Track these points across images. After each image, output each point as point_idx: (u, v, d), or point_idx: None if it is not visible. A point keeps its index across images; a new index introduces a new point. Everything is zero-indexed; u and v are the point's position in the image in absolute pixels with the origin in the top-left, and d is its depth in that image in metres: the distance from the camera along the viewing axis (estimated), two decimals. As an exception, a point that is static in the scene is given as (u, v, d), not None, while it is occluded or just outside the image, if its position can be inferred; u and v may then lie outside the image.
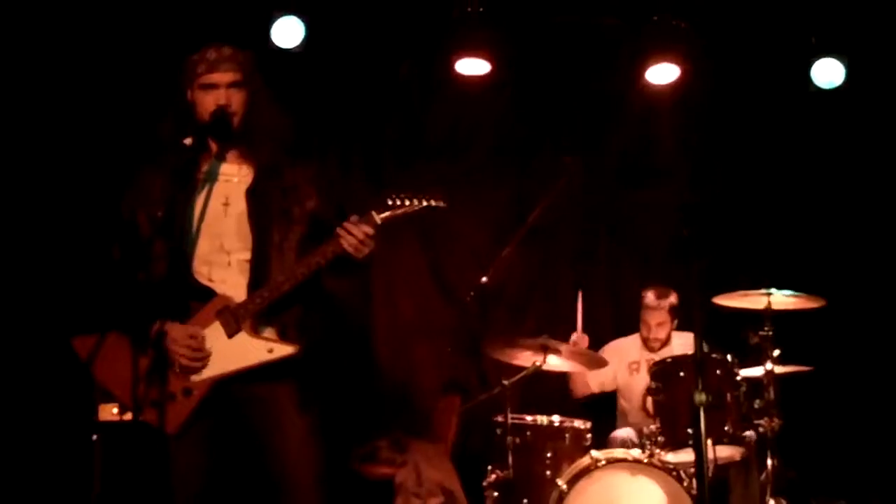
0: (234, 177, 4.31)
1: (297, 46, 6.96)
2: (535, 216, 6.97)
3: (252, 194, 4.28)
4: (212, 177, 4.29)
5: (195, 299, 4.22)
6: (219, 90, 4.23)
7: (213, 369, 4.20)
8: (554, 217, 7.46)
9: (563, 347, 6.42)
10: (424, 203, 4.27)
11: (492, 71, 7.30)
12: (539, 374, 6.58)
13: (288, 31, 6.93)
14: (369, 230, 4.16)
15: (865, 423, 7.38)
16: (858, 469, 7.28)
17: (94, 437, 6.03)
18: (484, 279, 6.78)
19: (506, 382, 6.34)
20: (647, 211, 7.92)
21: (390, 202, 4.23)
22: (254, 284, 4.21)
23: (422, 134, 7.79)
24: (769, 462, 5.86)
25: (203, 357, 4.17)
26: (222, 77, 4.24)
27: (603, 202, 8.06)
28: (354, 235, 4.15)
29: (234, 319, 4.19)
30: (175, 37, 6.24)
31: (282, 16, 6.92)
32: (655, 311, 6.99)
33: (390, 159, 7.66)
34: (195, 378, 4.18)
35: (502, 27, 7.15)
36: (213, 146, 4.31)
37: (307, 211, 4.33)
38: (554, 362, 6.44)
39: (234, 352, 4.19)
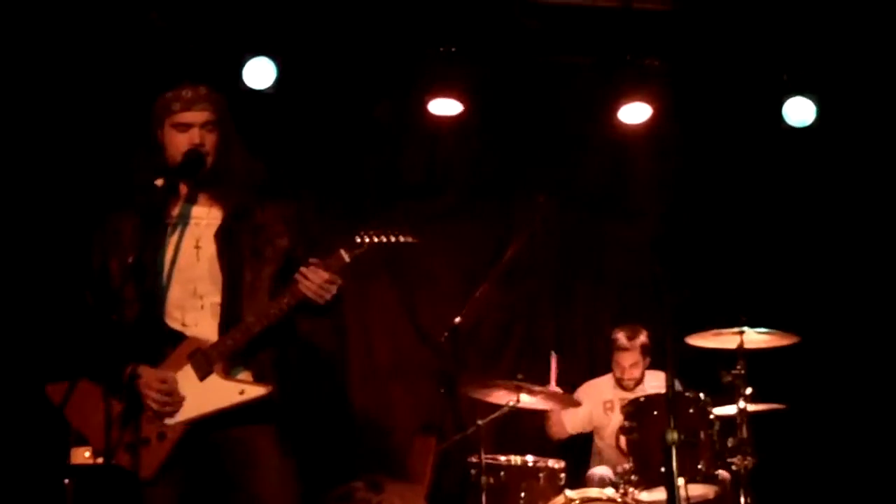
0: (204, 219, 4.26)
1: (269, 87, 6.97)
2: (509, 255, 6.97)
3: (221, 236, 4.23)
4: (183, 220, 4.25)
5: (168, 344, 4.19)
6: (193, 130, 4.18)
7: (187, 413, 4.16)
8: (528, 256, 7.47)
9: (538, 388, 6.42)
10: (394, 239, 4.23)
11: (464, 111, 7.32)
12: (514, 414, 6.57)
13: (260, 72, 6.93)
14: (326, 276, 4.10)
15: (839, 460, 7.38)
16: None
17: (67, 480, 6.00)
18: (458, 319, 6.76)
19: (480, 422, 6.33)
20: (621, 249, 7.94)
21: (359, 239, 4.19)
22: (225, 327, 4.17)
23: (396, 174, 7.80)
24: (742, 500, 5.85)
25: (175, 401, 4.13)
26: (196, 117, 4.19)
27: (577, 240, 8.07)
28: (312, 281, 4.10)
29: (206, 362, 4.15)
30: (146, 77, 6.22)
31: (253, 57, 6.92)
32: (628, 351, 6.99)
33: (364, 199, 7.65)
34: (169, 422, 4.14)
35: (475, 67, 7.18)
36: (184, 188, 4.27)
37: (280, 249, 4.28)
38: (528, 401, 6.44)
39: (206, 394, 4.15)
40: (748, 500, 5.85)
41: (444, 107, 7.30)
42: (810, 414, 7.16)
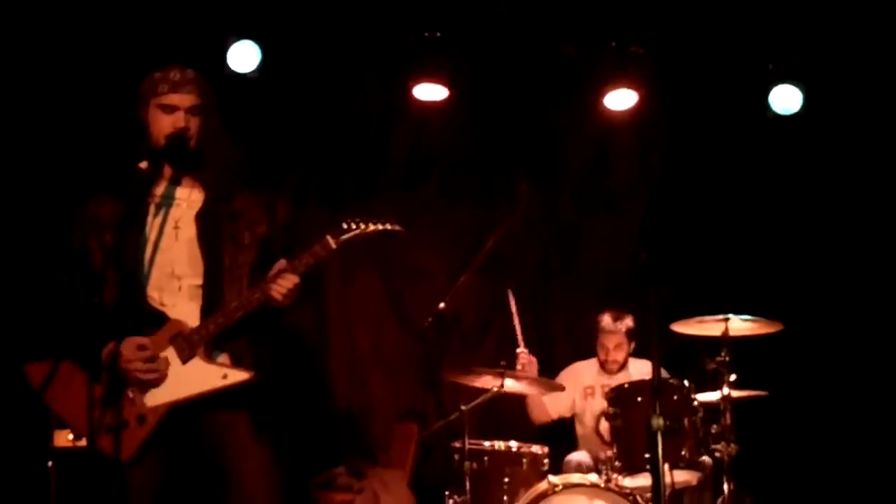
0: (185, 201, 4.24)
1: (253, 71, 6.94)
2: (491, 243, 6.95)
3: (201, 219, 4.22)
4: (165, 201, 4.23)
5: (148, 325, 4.16)
6: (178, 113, 4.16)
7: (168, 395, 4.13)
8: (511, 243, 7.46)
9: (521, 375, 6.42)
10: (380, 227, 4.25)
11: (449, 96, 7.30)
12: (497, 401, 6.56)
13: (244, 56, 6.90)
14: (291, 283, 4.11)
15: (821, 447, 7.40)
16: (814, 493, 7.30)
17: (49, 463, 5.98)
18: (441, 306, 6.75)
19: (464, 408, 6.33)
20: (605, 237, 7.94)
21: (345, 226, 4.20)
22: (206, 310, 4.16)
23: (379, 161, 7.78)
24: (725, 487, 5.86)
25: (157, 368, 4.11)
26: (183, 99, 4.17)
27: (560, 228, 8.07)
28: (281, 286, 4.11)
29: (189, 346, 4.14)
30: (130, 61, 6.18)
31: (238, 40, 6.89)
32: (612, 333, 6.99)
33: (347, 187, 7.63)
34: (149, 404, 4.12)
35: (460, 52, 7.16)
36: (168, 170, 4.25)
37: (257, 237, 4.27)
38: (512, 386, 6.44)
39: (188, 378, 4.13)
40: (731, 487, 5.86)
41: (429, 92, 7.28)
42: (793, 401, 7.18)
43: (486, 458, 6.29)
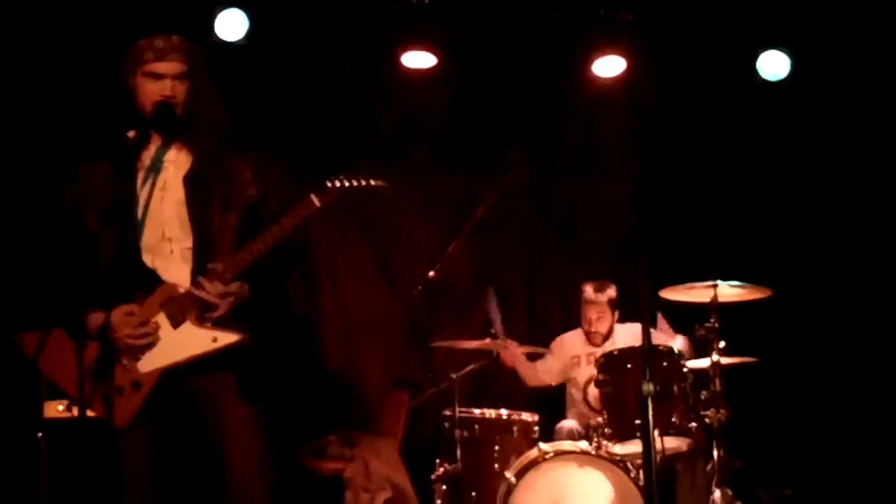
0: (173, 164, 4.24)
1: (241, 39, 6.90)
2: (481, 210, 6.94)
3: (189, 181, 4.21)
4: (154, 165, 4.21)
5: (140, 287, 4.16)
6: (164, 81, 4.16)
7: (161, 360, 4.13)
8: (501, 211, 7.45)
9: (510, 343, 6.43)
10: (364, 183, 4.22)
11: (438, 64, 7.27)
12: (487, 369, 6.58)
13: (231, 24, 6.86)
14: (221, 290, 4.10)
15: (810, 412, 7.44)
16: (805, 458, 7.34)
17: (39, 434, 5.98)
18: (431, 274, 6.74)
19: (454, 376, 6.35)
20: (594, 204, 7.93)
21: (329, 184, 4.18)
22: (197, 273, 4.14)
23: (369, 128, 7.75)
24: (715, 453, 5.88)
25: (148, 333, 4.11)
26: (169, 67, 4.16)
27: (549, 195, 8.06)
28: (209, 292, 4.09)
29: (179, 310, 4.13)
30: (116, 28, 6.14)
31: (225, 8, 6.85)
32: (594, 304, 7.01)
33: (336, 154, 7.61)
34: (143, 370, 4.12)
35: (448, 19, 7.13)
36: (157, 135, 4.24)
37: (245, 200, 4.25)
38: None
39: (180, 342, 4.13)
40: (720, 453, 5.88)
41: (418, 59, 7.26)
42: (782, 367, 7.20)
43: (476, 426, 6.32)
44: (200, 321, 4.15)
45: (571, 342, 7.18)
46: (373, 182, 4.24)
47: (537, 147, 7.89)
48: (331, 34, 7.25)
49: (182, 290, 4.14)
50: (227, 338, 4.14)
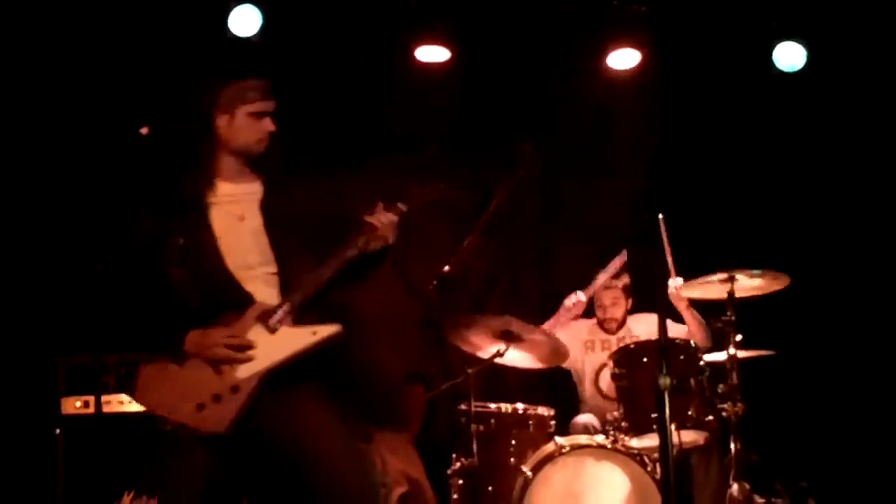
0: (246, 194, 4.39)
1: (255, 35, 6.90)
2: (494, 205, 6.93)
3: (264, 208, 4.37)
4: (227, 197, 4.36)
5: (233, 311, 4.24)
6: (267, 119, 4.38)
7: (260, 363, 4.18)
8: (513, 206, 7.43)
9: (526, 330, 6.40)
10: (443, 191, 4.63)
11: (451, 58, 7.26)
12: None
13: (245, 20, 6.86)
14: (393, 217, 4.40)
15: (827, 405, 7.42)
16: (821, 451, 7.32)
17: (57, 431, 6.00)
18: (446, 269, 6.74)
19: (469, 370, 6.34)
20: (607, 198, 7.92)
21: (415, 193, 4.52)
22: (284, 293, 4.27)
23: (382, 123, 7.75)
24: (732, 446, 5.87)
25: (244, 345, 4.18)
26: (268, 105, 4.40)
27: (562, 189, 8.05)
28: (382, 221, 4.35)
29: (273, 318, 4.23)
30: (131, 30, 6.15)
31: (239, 4, 6.85)
32: (609, 289, 7.03)
33: (350, 149, 7.61)
34: (242, 376, 4.17)
35: (461, 14, 7.12)
36: (228, 168, 4.39)
37: (319, 218, 4.42)
38: (514, 356, 6.44)
39: (279, 343, 4.19)
40: (738, 447, 5.87)
41: (431, 54, 7.25)
42: (799, 360, 7.19)
43: (492, 421, 6.32)
44: (295, 323, 4.24)
45: (581, 328, 7.18)
46: (448, 190, 4.62)
47: (550, 141, 7.87)
48: (344, 29, 7.25)
49: (275, 304, 4.24)
50: (327, 330, 4.22)
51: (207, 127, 4.36)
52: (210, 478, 4.15)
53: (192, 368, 4.15)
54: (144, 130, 4.32)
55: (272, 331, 4.19)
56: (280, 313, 4.19)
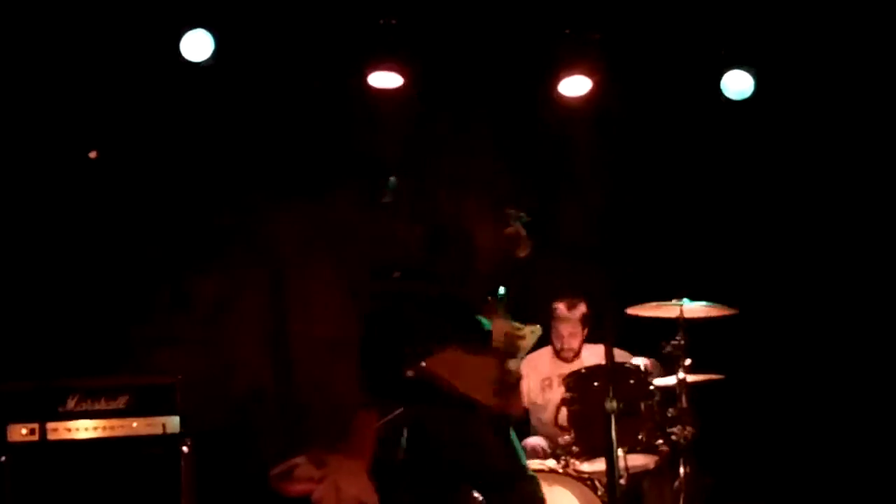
0: None
1: (207, 60, 6.89)
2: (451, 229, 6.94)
3: None
4: None
5: None
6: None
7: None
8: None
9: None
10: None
11: (405, 84, 7.28)
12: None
13: (197, 45, 6.85)
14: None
15: (779, 428, 7.46)
16: (775, 473, 7.35)
17: (3, 458, 5.94)
18: (400, 293, 6.74)
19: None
20: (565, 221, 7.94)
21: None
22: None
23: (337, 150, 7.75)
24: (682, 470, 5.89)
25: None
26: None
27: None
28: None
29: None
30: (82, 50, 6.14)
31: (191, 29, 6.84)
32: (567, 321, 7.03)
33: (305, 175, 7.61)
34: (515, 367, 4.64)
35: (415, 40, 7.14)
36: None
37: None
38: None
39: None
40: (688, 470, 5.90)
41: (385, 80, 7.26)
42: (748, 384, 7.22)
43: (445, 446, 6.29)
44: None
45: (539, 363, 7.17)
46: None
47: (505, 165, 7.89)
48: (297, 54, 7.25)
49: None
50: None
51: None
52: None
53: (484, 356, 4.55)
54: (93, 154, 4.29)
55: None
56: None
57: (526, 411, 7.17)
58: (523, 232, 4.78)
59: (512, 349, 4.65)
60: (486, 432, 4.65)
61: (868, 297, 7.51)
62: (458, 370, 4.54)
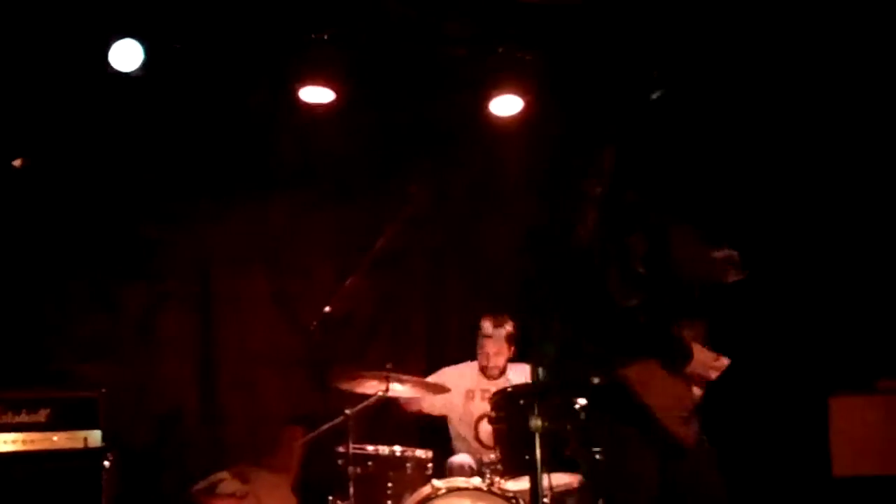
0: None
1: (136, 70, 6.81)
2: (380, 245, 6.95)
3: None
4: None
5: None
6: None
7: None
8: (400, 245, 7.46)
9: (406, 377, 6.43)
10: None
11: (336, 99, 7.26)
12: (383, 404, 6.57)
13: (126, 55, 6.77)
14: None
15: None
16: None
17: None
18: (328, 308, 6.74)
19: (348, 412, 6.33)
20: (494, 240, 7.98)
21: None
22: None
23: (269, 162, 7.72)
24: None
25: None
26: None
27: (450, 230, 8.09)
28: None
29: None
30: (9, 57, 6.06)
31: (120, 38, 6.77)
32: (492, 339, 7.05)
33: (237, 185, 7.57)
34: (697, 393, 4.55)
35: (347, 55, 7.13)
36: None
37: None
38: (398, 389, 6.45)
39: None
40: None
41: (316, 94, 7.24)
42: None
43: (370, 463, 6.30)
44: None
45: (464, 375, 7.19)
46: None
47: (437, 181, 7.91)
48: (229, 66, 7.21)
49: None
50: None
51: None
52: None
53: (676, 378, 4.42)
54: (17, 163, 4.23)
55: None
56: None
57: (444, 418, 7.19)
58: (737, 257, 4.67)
59: (704, 378, 4.54)
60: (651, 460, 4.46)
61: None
62: (651, 386, 4.41)
